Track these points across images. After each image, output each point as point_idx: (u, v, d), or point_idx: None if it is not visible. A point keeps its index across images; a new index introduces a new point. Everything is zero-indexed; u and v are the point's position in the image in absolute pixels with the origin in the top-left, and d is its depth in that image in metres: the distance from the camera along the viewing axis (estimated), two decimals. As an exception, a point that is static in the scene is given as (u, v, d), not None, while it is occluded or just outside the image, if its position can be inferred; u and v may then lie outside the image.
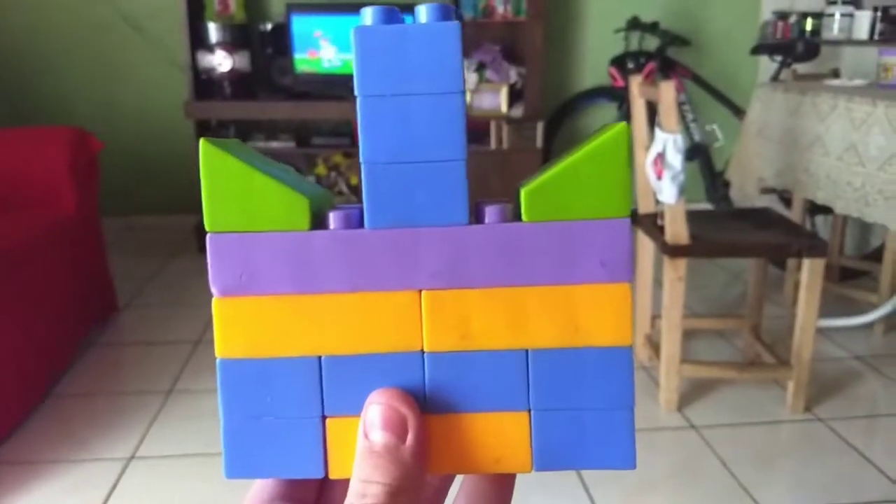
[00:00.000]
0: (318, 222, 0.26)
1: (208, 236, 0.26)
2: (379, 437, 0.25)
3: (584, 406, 0.26)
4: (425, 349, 0.26)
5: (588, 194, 0.26)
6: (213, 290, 0.26)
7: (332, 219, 0.26)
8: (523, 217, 0.26)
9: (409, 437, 0.25)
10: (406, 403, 0.25)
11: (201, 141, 0.26)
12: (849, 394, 2.00)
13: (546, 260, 0.26)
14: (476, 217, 0.27)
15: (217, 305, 0.26)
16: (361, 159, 0.26)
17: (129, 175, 3.35)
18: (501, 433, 0.26)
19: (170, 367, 2.11)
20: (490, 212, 0.26)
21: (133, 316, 2.50)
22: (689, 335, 2.21)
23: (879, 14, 2.87)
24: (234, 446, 0.26)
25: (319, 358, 0.26)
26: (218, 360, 0.26)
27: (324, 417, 0.26)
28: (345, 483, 0.25)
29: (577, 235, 0.26)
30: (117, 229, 3.26)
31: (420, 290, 0.26)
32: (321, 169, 3.37)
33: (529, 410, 0.26)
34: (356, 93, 0.26)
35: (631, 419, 0.26)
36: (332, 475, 0.26)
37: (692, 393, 1.97)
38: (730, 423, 1.84)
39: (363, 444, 0.25)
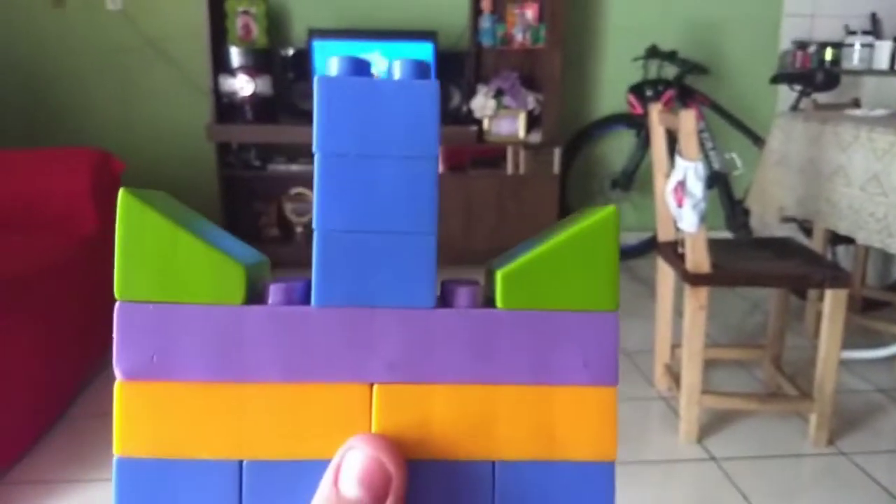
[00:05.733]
0: (255, 297, 0.22)
1: (117, 305, 0.22)
2: (353, 492, 0.21)
3: None
4: None
5: (572, 282, 0.22)
6: (117, 371, 0.22)
7: (271, 292, 0.22)
8: (497, 303, 0.22)
9: (388, 502, 0.21)
10: (393, 459, 0.21)
11: (121, 190, 0.22)
12: (872, 427, 1.97)
13: (521, 355, 0.22)
14: (443, 300, 0.23)
15: (119, 391, 0.22)
16: (314, 225, 0.22)
17: (149, 196, 3.38)
18: None
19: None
20: (460, 294, 0.22)
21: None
22: (709, 365, 2.18)
23: (900, 44, 2.87)
24: None
25: (241, 463, 0.22)
26: (115, 459, 0.22)
27: None
28: None
29: (557, 328, 0.22)
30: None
31: (372, 384, 0.22)
32: (339, 192, 3.38)
33: None
34: (314, 149, 0.23)
35: None
36: None
37: (712, 424, 1.94)
38: (751, 455, 1.81)
39: (330, 493, 0.21)
